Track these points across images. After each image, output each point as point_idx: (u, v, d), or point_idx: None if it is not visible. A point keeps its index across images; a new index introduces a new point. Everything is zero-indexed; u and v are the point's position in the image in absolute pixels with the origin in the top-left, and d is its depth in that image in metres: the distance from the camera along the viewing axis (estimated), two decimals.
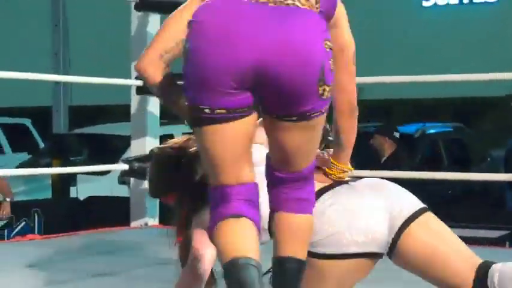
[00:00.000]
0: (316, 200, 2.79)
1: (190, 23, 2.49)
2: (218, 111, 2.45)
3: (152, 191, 3.16)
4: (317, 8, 2.54)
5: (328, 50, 2.46)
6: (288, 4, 2.44)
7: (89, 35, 25.84)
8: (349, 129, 2.92)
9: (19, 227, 6.79)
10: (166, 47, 2.84)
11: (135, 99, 5.51)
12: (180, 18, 2.82)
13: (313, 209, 2.69)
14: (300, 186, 2.65)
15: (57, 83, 13.49)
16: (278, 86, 2.43)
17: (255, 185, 2.62)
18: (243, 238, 2.54)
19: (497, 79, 6.91)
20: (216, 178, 2.59)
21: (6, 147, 13.52)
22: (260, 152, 2.87)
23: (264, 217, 2.76)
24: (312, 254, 2.81)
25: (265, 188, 2.74)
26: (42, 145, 13.96)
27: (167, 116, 5.95)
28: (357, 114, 2.92)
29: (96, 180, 8.71)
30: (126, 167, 5.42)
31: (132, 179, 5.56)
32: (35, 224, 6.88)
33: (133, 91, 5.48)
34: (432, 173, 6.95)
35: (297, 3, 2.45)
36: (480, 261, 2.82)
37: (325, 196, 2.89)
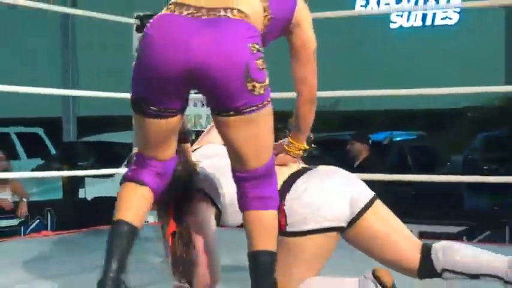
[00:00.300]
0: (291, 185, 2.90)
1: (142, 34, 2.65)
2: (152, 108, 2.58)
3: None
4: (266, 16, 2.66)
5: (255, 52, 2.51)
6: (219, 16, 2.52)
7: (95, 53, 25.82)
8: (308, 116, 2.94)
9: (34, 225, 6.79)
10: None
11: None
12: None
13: (276, 204, 2.71)
14: (258, 185, 2.67)
15: (66, 95, 13.55)
16: (210, 85, 2.52)
17: (170, 162, 2.77)
18: (133, 204, 2.72)
19: (456, 93, 6.95)
20: (141, 149, 2.75)
21: (21, 154, 13.48)
22: (215, 147, 3.13)
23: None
24: (291, 234, 2.86)
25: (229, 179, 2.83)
26: (53, 152, 13.93)
27: None
28: (316, 103, 2.94)
29: (102, 183, 8.69)
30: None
31: None
32: (48, 221, 6.88)
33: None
34: (402, 176, 6.98)
35: (228, 14, 2.51)
36: (421, 242, 2.90)
37: (299, 182, 2.92)
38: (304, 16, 2.86)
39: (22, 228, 6.71)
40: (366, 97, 9.89)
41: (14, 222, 6.70)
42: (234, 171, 2.71)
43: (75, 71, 15.03)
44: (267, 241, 2.69)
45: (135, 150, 2.83)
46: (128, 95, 5.27)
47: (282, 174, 2.93)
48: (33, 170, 10.63)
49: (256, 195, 2.67)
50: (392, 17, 20.84)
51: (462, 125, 19.75)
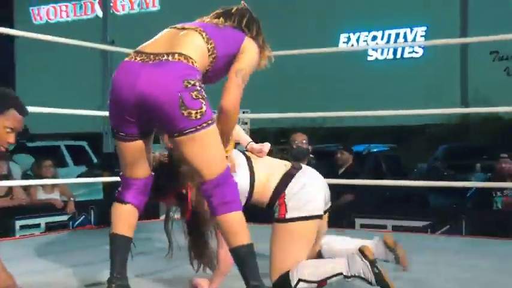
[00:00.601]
0: (287, 183, 2.99)
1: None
2: (121, 133, 2.80)
3: (152, 197, 3.05)
4: (210, 55, 2.79)
5: (189, 86, 2.61)
6: (162, 60, 2.66)
7: None
8: (223, 127, 2.84)
9: (80, 220, 6.78)
10: None
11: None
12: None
13: (239, 205, 2.75)
14: (219, 193, 2.70)
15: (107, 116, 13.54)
16: (155, 113, 2.65)
17: (147, 179, 2.92)
18: (122, 220, 2.92)
19: (421, 113, 6.97)
20: (122, 170, 2.93)
21: (70, 162, 13.48)
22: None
23: (244, 188, 2.94)
24: (289, 220, 2.94)
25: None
26: (95, 160, 13.93)
27: None
28: (235, 118, 2.87)
29: None
30: None
31: None
32: (92, 217, 6.87)
33: None
34: (378, 181, 7.01)
35: (169, 57, 2.65)
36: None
37: (293, 181, 3.00)
38: (246, 50, 2.91)
39: (70, 222, 6.70)
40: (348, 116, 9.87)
41: (64, 217, 6.69)
42: (200, 183, 2.76)
43: None
44: (240, 237, 2.72)
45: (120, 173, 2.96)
46: None
47: (278, 173, 3.03)
48: (78, 176, 10.62)
49: (220, 201, 2.70)
50: (369, 52, 21.14)
51: (426, 139, 19.75)
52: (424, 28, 20.66)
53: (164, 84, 2.61)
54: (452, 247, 4.55)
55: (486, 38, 5.62)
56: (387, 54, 21.24)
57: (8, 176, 6.82)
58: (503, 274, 3.49)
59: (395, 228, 5.74)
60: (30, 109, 3.63)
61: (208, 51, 2.79)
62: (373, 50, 20.97)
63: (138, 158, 2.85)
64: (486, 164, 14.58)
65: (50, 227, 6.43)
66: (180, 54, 2.67)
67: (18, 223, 6.25)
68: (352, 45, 21.29)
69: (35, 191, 6.89)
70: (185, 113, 2.59)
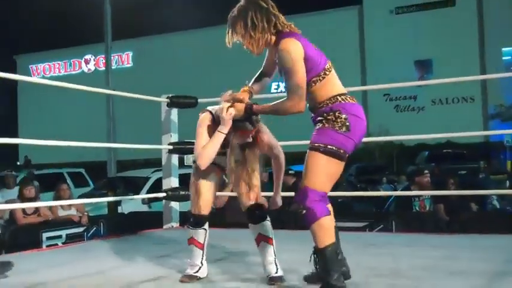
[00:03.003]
0: None
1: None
2: (347, 155, 2.53)
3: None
4: None
5: None
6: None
7: (131, 122, 25.24)
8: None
9: (92, 231, 6.55)
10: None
11: (165, 156, 5.35)
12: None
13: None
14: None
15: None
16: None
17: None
18: (332, 228, 2.50)
19: None
20: (327, 188, 2.51)
21: (71, 185, 13.09)
22: None
23: None
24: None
25: None
26: (92, 185, 13.50)
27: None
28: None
29: (129, 202, 8.41)
30: (150, 196, 5.21)
31: (164, 201, 5.32)
32: (101, 229, 6.65)
33: (164, 152, 5.31)
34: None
35: None
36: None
37: None
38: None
39: (85, 233, 6.46)
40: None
41: (80, 229, 6.45)
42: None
43: (115, 132, 14.93)
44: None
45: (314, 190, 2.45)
46: (159, 146, 4.93)
47: None
48: (79, 196, 10.26)
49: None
50: None
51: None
52: None
53: None
54: (391, 240, 4.52)
55: (381, 86, 5.71)
56: None
57: (36, 198, 6.59)
58: (435, 259, 3.48)
59: (342, 229, 5.68)
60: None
61: None
62: None
63: None
64: (389, 178, 14.91)
65: (70, 237, 6.19)
66: None
67: (45, 235, 6.00)
68: (282, 91, 21.40)
69: (56, 209, 6.65)
70: None
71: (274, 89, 22.74)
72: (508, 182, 13.08)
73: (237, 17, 2.57)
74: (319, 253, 2.48)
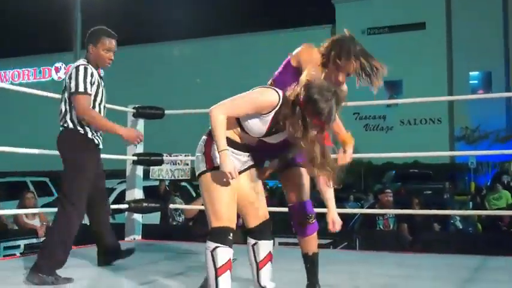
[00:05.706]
0: None
1: None
2: None
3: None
4: None
5: None
6: None
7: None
8: None
9: None
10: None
11: (129, 167, 5.27)
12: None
13: None
14: None
15: None
16: None
17: None
18: None
19: None
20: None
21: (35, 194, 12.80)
22: None
23: None
24: None
25: None
26: (56, 195, 13.24)
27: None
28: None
29: None
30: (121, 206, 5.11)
31: (126, 213, 5.24)
32: None
33: (128, 162, 5.24)
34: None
35: None
36: None
37: None
38: None
39: None
40: None
41: (40, 240, 6.23)
42: None
43: None
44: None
45: None
46: (122, 157, 4.82)
47: None
48: (43, 206, 10.01)
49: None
50: None
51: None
52: None
53: None
54: (353, 258, 4.51)
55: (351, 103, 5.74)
56: None
57: None
58: (396, 278, 3.49)
59: None
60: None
61: None
62: None
63: None
64: (356, 196, 14.97)
65: (29, 247, 6.00)
66: None
67: (3, 244, 5.82)
68: None
69: (21, 217, 6.49)
70: None
71: None
72: (471, 203, 13.30)
73: None
74: (315, 257, 2.78)
